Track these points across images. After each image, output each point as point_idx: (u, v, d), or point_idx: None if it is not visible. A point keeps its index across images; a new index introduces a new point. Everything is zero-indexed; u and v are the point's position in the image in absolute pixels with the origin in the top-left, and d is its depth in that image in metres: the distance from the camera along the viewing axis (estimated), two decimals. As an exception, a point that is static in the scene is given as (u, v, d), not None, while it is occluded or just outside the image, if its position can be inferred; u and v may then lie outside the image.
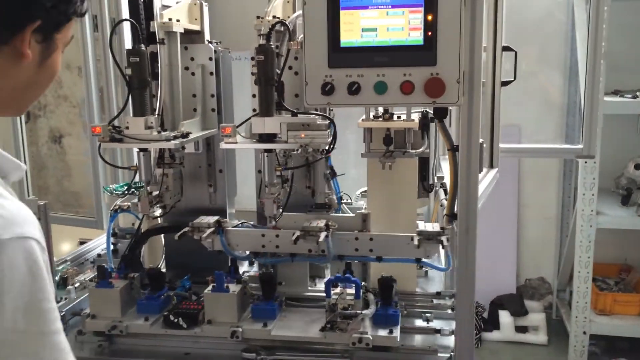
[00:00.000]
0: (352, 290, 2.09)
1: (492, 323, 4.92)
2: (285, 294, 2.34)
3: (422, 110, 2.22)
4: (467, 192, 1.79)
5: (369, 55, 1.73)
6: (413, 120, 2.08)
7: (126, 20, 2.14)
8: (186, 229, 2.23)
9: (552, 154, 3.57)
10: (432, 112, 1.91)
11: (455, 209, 1.84)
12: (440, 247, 2.07)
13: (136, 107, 2.16)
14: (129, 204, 2.88)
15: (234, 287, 2.17)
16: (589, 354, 4.40)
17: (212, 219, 2.26)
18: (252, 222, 2.37)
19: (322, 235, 2.06)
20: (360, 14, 1.72)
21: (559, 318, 5.07)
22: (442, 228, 2.08)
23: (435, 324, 2.25)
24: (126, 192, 2.82)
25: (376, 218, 2.47)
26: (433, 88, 1.69)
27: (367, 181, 2.55)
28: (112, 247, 3.11)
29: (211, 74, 2.51)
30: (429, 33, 1.68)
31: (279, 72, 2.12)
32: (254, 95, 2.44)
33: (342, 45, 1.74)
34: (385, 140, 2.15)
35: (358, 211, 2.25)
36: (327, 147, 2.11)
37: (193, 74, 2.51)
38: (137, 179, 2.33)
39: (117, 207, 2.90)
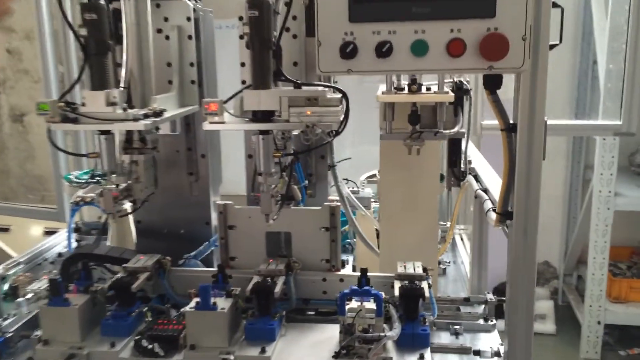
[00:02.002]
0: (372, 305, 1.67)
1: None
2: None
3: (454, 79, 1.78)
4: (528, 184, 1.39)
5: (404, 5, 1.29)
6: (447, 92, 1.65)
7: (78, -35, 1.66)
8: (119, 275, 1.88)
9: (587, 130, 3.19)
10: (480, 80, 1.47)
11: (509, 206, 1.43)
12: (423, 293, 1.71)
13: (95, 78, 1.69)
14: (93, 195, 2.43)
15: (222, 303, 1.74)
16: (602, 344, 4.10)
17: (152, 259, 1.94)
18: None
19: (280, 282, 1.76)
20: (393, -52, 1.27)
21: (565, 304, 4.76)
22: (424, 269, 1.80)
23: (466, 338, 1.86)
24: (89, 181, 2.38)
25: (391, 214, 2.06)
26: (491, 48, 1.26)
27: (379, 167, 2.14)
28: (74, 244, 2.68)
29: (189, 37, 2.05)
30: (488, -26, 1.25)
31: (276, 33, 1.66)
32: (242, 64, 2.00)
33: (367, -9, 1.29)
34: (411, 118, 1.71)
35: (325, 203, 1.88)
36: (337, 128, 1.67)
37: (167, 37, 2.04)
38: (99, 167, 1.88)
39: (78, 199, 2.45)
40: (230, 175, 2.46)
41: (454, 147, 1.86)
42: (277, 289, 1.76)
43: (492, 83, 1.39)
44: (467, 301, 2.04)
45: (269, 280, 1.82)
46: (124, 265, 1.89)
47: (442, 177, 1.97)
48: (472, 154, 2.13)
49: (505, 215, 1.45)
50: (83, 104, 1.69)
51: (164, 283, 1.91)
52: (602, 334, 4.06)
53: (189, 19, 2.04)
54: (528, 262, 1.44)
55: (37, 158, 5.42)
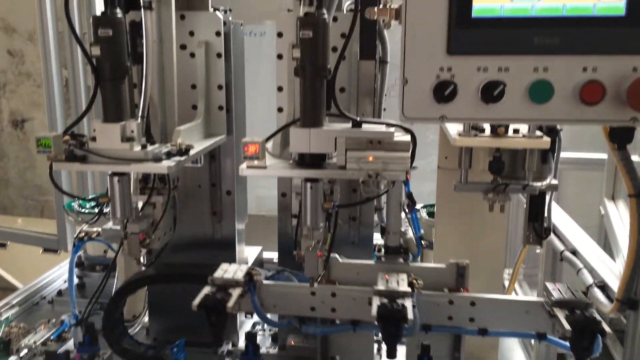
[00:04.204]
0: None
1: None
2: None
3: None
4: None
5: (522, 34, 0.98)
6: (542, 137, 1.33)
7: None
8: (206, 289, 1.46)
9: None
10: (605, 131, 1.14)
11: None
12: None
13: (109, 107, 1.38)
14: (99, 229, 2.12)
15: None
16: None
17: (240, 270, 1.51)
18: (292, 273, 1.62)
19: (409, 304, 1.33)
20: (512, -42, 0.96)
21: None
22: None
23: None
24: (95, 216, 2.06)
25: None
26: (641, 95, 0.94)
27: (435, 210, 1.83)
28: (76, 280, 2.37)
29: (219, 55, 1.73)
30: (640, -5, 0.94)
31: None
32: (280, 88, 1.69)
33: (474, 15, 0.98)
34: (493, 167, 1.39)
35: (450, 260, 1.51)
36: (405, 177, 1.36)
37: (192, 55, 1.73)
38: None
39: (83, 234, 2.13)
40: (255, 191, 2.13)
41: (537, 198, 1.55)
42: (409, 314, 1.32)
43: (622, 136, 1.08)
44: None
45: (398, 304, 1.35)
46: (212, 277, 1.51)
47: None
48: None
49: (627, 303, 1.13)
50: (93, 139, 1.38)
51: (254, 300, 1.51)
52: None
53: (218, 33, 1.73)
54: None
55: (37, 167, 5.11)
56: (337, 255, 1.57)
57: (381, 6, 1.11)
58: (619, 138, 1.08)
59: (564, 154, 1.43)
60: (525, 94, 0.99)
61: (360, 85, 1.66)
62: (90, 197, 2.47)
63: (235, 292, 1.44)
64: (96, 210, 2.12)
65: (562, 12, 0.96)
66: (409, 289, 1.40)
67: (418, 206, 2.34)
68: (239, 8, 2.21)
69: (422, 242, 1.65)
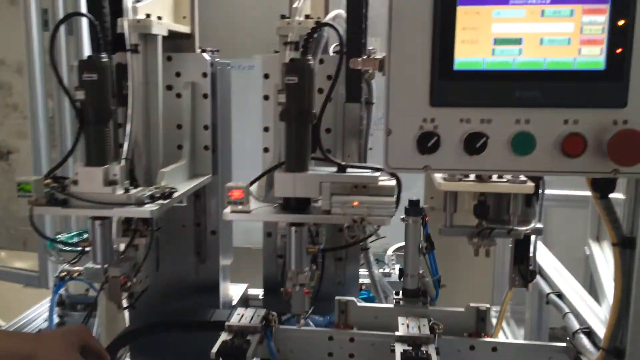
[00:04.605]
0: None
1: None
2: None
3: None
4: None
5: (504, 87, 0.99)
6: (525, 181, 1.34)
7: (79, 14, 1.35)
8: (224, 336, 1.43)
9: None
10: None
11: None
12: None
13: (92, 151, 1.36)
14: (81, 269, 2.08)
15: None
16: None
17: (257, 315, 1.50)
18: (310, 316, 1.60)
19: (433, 351, 1.30)
20: (493, 12, 0.97)
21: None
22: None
23: None
24: (78, 255, 2.03)
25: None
26: (623, 148, 0.95)
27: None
28: (57, 320, 2.32)
29: (205, 96, 1.74)
30: (618, 50, 0.95)
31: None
32: (266, 129, 1.70)
33: (456, 67, 0.99)
34: (477, 211, 1.40)
35: (471, 304, 1.49)
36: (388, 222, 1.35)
37: (179, 95, 1.73)
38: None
39: (64, 273, 2.10)
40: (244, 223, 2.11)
41: (522, 241, 1.55)
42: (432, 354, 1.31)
43: (605, 185, 1.08)
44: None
45: (422, 351, 1.31)
46: (229, 323, 1.48)
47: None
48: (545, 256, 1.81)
49: (614, 353, 1.13)
50: (75, 182, 1.36)
51: (271, 346, 1.46)
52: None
53: (205, 74, 1.73)
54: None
55: (21, 199, 5.05)
56: (354, 299, 1.56)
57: (365, 56, 1.12)
58: (601, 188, 1.08)
59: (548, 191, 1.44)
60: (507, 145, 1.00)
61: (346, 126, 1.67)
62: (73, 233, 2.43)
63: (254, 340, 1.41)
64: (79, 247, 2.09)
65: (543, 66, 0.97)
66: (432, 335, 1.37)
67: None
68: (227, 44, 2.22)
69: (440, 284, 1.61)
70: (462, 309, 1.50)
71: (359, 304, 1.55)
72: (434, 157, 1.02)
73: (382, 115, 1.04)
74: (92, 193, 1.35)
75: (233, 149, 1.98)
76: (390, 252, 2.35)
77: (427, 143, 1.00)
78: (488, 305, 1.48)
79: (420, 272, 1.53)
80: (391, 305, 1.55)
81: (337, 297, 1.57)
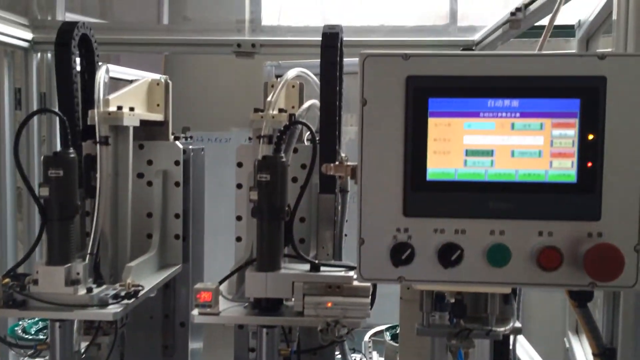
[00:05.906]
0: None
1: None
2: None
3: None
4: None
5: (477, 198, 0.98)
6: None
7: (45, 111, 1.33)
8: None
9: None
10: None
11: None
12: None
13: (54, 248, 1.31)
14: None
15: None
16: None
17: None
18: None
19: None
20: (464, 124, 0.97)
21: None
22: None
23: None
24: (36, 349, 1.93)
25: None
26: (599, 263, 0.93)
27: (399, 344, 1.76)
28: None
29: (177, 184, 1.71)
30: (589, 163, 0.95)
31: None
32: (239, 218, 1.66)
33: (429, 177, 0.98)
34: (455, 310, 1.36)
35: None
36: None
37: (150, 183, 1.70)
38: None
39: (23, 365, 1.98)
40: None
41: (500, 343, 1.50)
42: None
43: (583, 296, 1.06)
44: None
45: None
46: None
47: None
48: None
49: None
50: (35, 281, 1.30)
51: None
52: None
53: (177, 162, 1.71)
54: None
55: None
56: None
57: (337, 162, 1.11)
58: (579, 298, 1.06)
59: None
60: (483, 257, 0.98)
61: (320, 216, 1.64)
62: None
63: None
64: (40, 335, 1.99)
65: (515, 178, 0.97)
66: None
67: (382, 327, 2.28)
68: (203, 119, 2.21)
69: None
70: None
71: None
72: (408, 268, 0.99)
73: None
74: (53, 293, 1.28)
75: (206, 214, 1.92)
76: (367, 338, 2.28)
77: (402, 255, 0.97)
78: None
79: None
80: None
81: None
